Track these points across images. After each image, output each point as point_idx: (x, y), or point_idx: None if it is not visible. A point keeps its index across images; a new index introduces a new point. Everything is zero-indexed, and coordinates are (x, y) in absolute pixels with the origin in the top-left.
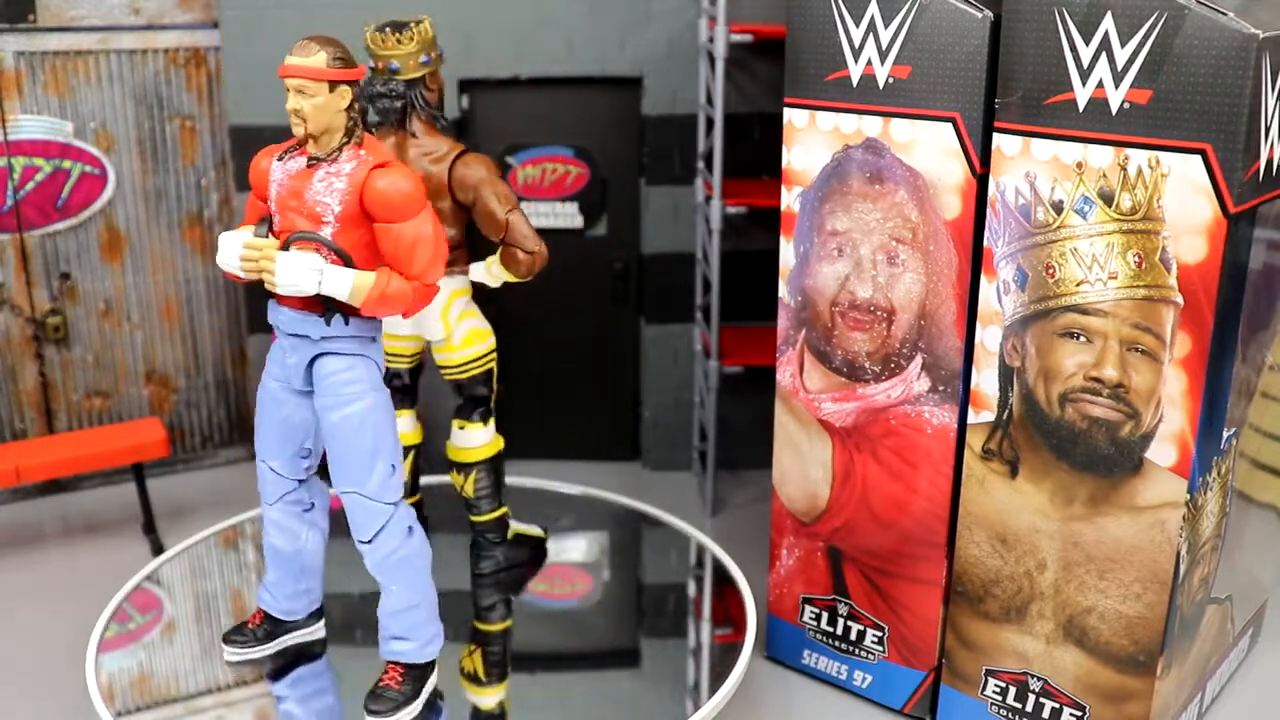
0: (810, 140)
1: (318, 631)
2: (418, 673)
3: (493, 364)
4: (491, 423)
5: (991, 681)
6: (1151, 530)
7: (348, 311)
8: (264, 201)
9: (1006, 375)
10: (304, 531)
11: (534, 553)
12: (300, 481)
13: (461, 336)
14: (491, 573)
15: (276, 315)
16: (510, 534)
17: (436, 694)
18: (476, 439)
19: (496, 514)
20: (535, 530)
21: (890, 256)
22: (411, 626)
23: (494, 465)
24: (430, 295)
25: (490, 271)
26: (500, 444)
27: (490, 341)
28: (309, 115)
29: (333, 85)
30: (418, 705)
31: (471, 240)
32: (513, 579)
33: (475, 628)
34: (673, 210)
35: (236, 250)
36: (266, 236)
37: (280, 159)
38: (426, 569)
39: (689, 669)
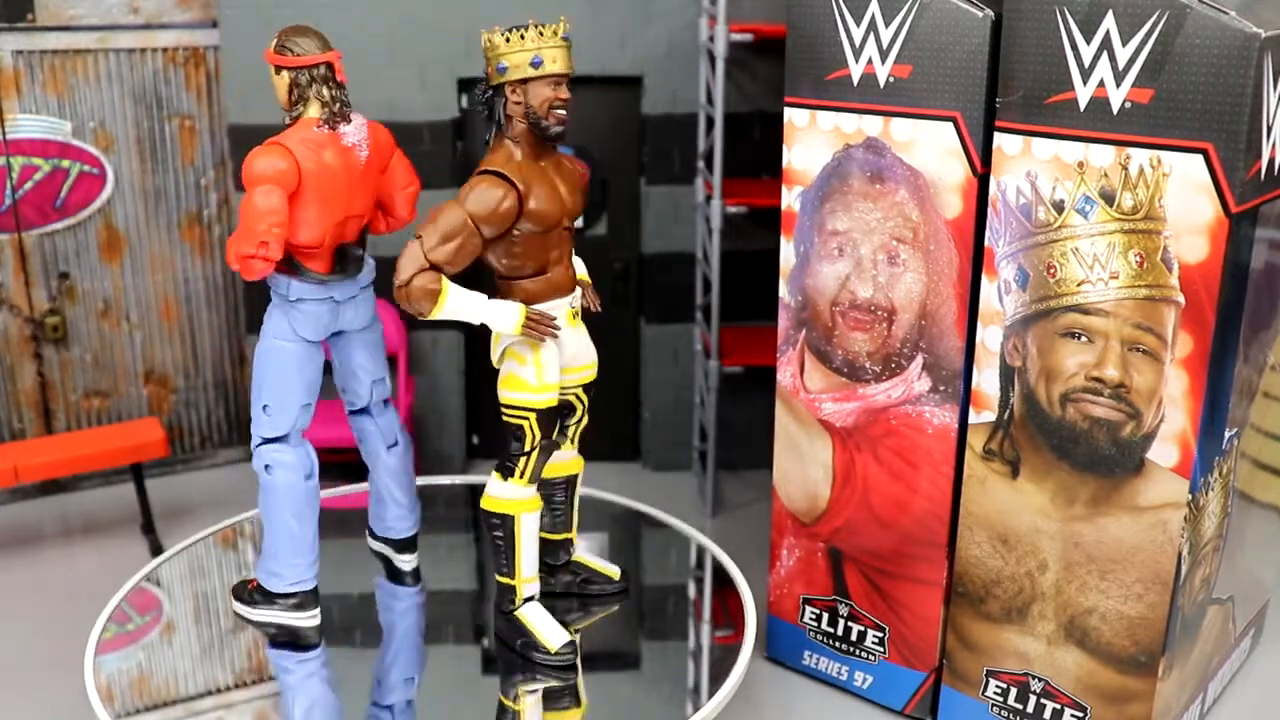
0: (811, 140)
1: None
2: (267, 594)
3: (524, 421)
4: (510, 480)
5: (992, 682)
6: (1153, 531)
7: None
8: None
9: (1007, 375)
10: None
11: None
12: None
13: (501, 377)
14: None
15: None
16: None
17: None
18: (490, 489)
19: (502, 580)
20: (609, 568)
21: (891, 256)
22: (264, 553)
23: (504, 526)
24: (241, 268)
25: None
26: (516, 507)
27: (524, 396)
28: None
29: (276, 69)
30: (257, 614)
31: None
32: None
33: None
34: (673, 210)
35: None
36: None
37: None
38: (285, 510)
39: (689, 670)
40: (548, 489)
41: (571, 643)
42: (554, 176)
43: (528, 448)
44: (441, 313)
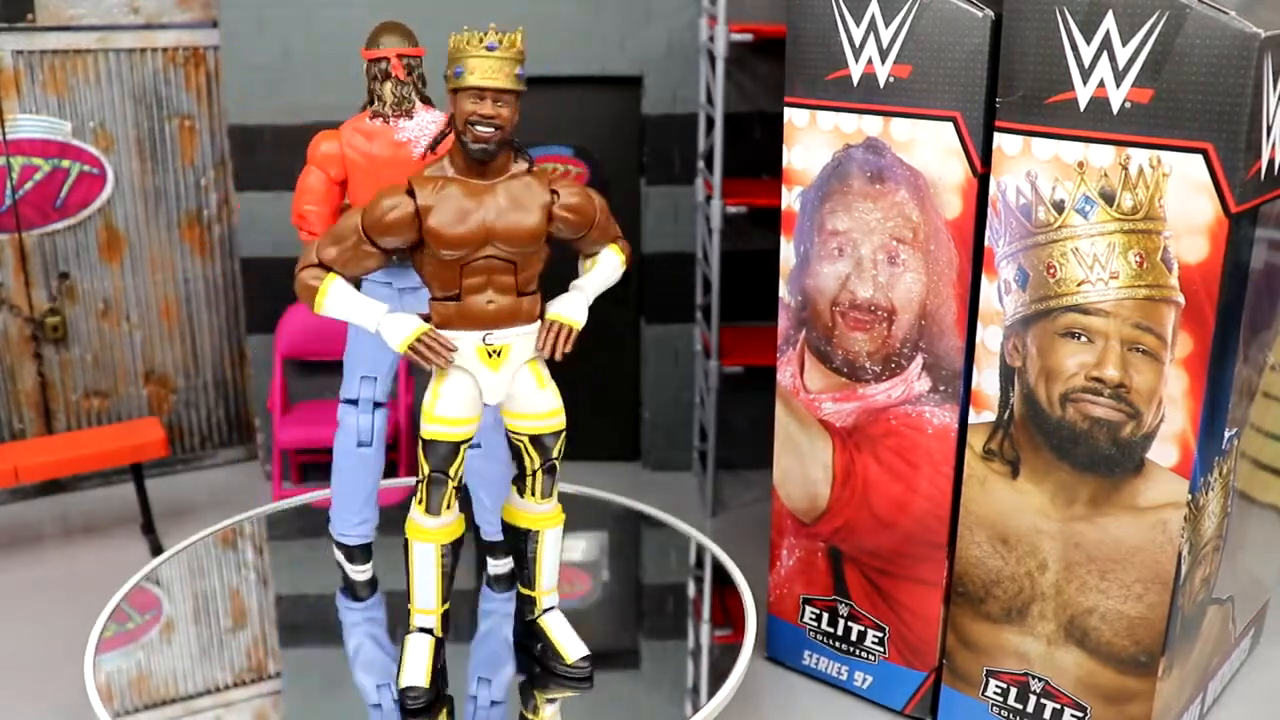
0: (810, 140)
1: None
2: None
3: (420, 446)
4: (415, 504)
5: (992, 682)
6: (1153, 531)
7: None
8: None
9: (1007, 375)
10: None
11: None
12: None
13: None
14: None
15: None
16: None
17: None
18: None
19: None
20: (566, 647)
21: (891, 256)
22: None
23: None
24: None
25: None
26: (413, 532)
27: (422, 422)
28: None
29: None
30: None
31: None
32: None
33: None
34: (673, 210)
35: None
36: None
37: None
38: (339, 467)
39: (689, 670)
40: (514, 539)
41: (588, 656)
42: (485, 199)
43: (419, 475)
44: (323, 310)
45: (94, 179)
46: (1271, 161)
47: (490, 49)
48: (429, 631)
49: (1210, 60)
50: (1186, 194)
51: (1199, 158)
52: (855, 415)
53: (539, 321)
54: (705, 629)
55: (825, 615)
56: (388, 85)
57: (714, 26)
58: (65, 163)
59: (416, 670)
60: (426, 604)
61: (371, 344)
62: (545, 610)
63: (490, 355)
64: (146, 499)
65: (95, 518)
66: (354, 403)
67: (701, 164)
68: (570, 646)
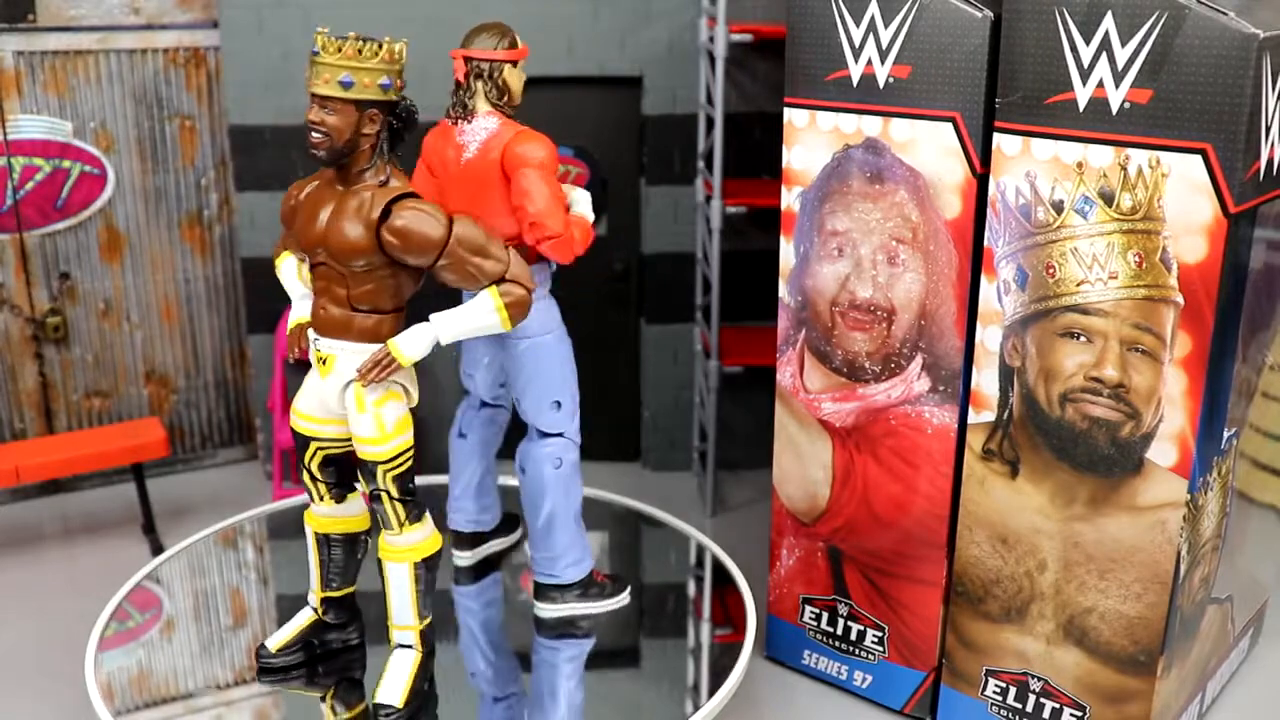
0: (810, 140)
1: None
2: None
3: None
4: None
5: (992, 682)
6: (1152, 530)
7: None
8: None
9: (1007, 375)
10: None
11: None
12: None
13: None
14: None
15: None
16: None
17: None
18: None
19: None
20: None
21: (890, 256)
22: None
23: None
24: None
25: None
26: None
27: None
28: None
29: None
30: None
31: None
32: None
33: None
34: (673, 210)
35: None
36: None
37: None
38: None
39: (689, 669)
40: (326, 542)
41: (390, 710)
42: (330, 206)
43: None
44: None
45: (95, 179)
46: (1270, 162)
47: (314, 54)
48: (313, 609)
49: (1209, 61)
50: (1185, 194)
51: (1198, 158)
52: (855, 415)
53: (383, 345)
54: (705, 628)
55: (825, 615)
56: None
57: (714, 27)
58: (66, 163)
59: (285, 634)
60: (313, 582)
61: (466, 341)
62: (396, 645)
63: (321, 361)
64: (147, 499)
65: (96, 518)
66: (466, 393)
67: (701, 164)
68: (385, 688)
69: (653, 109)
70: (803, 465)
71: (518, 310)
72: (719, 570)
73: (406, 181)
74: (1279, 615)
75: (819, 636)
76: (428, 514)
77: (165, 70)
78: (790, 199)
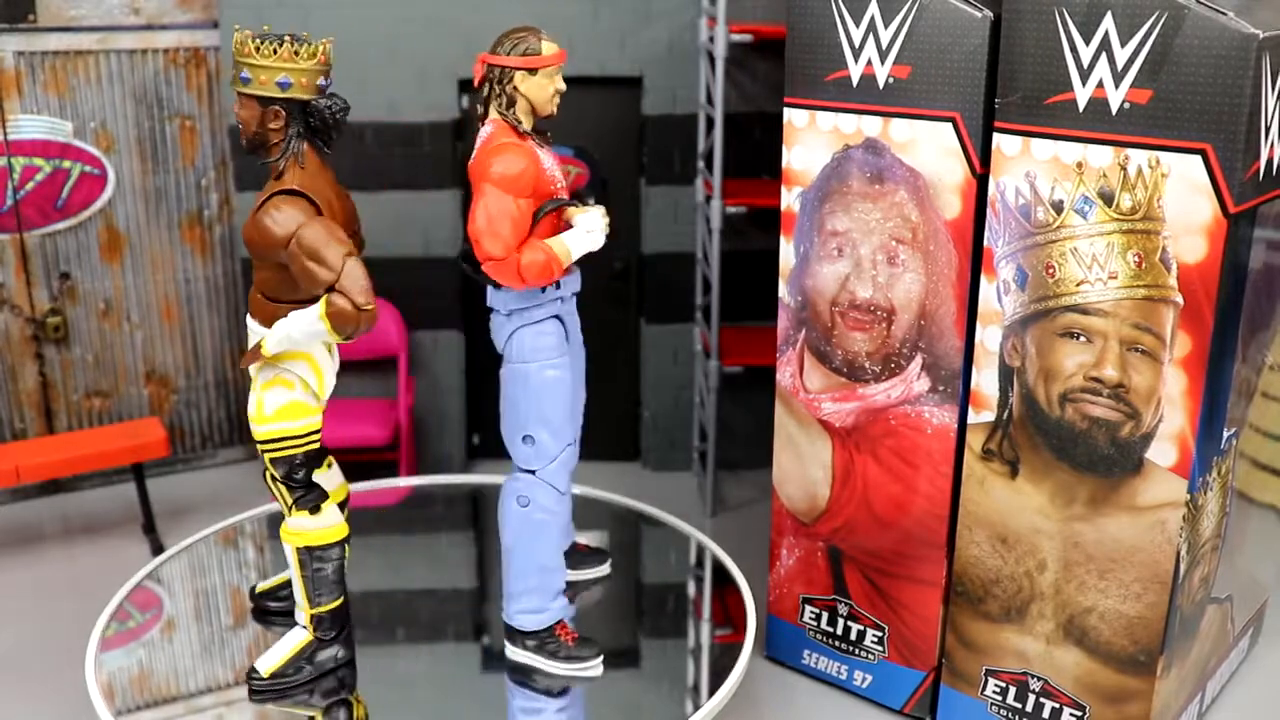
0: (810, 140)
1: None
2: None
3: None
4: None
5: (991, 681)
6: (1152, 530)
7: None
8: (540, 193)
9: (1006, 375)
10: None
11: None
12: None
13: None
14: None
15: (573, 284)
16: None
17: None
18: None
19: None
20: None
21: (890, 256)
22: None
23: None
24: None
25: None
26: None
27: None
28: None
29: None
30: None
31: None
32: None
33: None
34: (673, 210)
35: (601, 224)
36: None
37: (536, 146)
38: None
39: (689, 669)
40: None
41: (253, 673)
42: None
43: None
44: None
45: (95, 179)
46: (1270, 162)
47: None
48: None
49: (1209, 61)
50: (1185, 194)
51: (1198, 158)
52: (855, 415)
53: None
54: (705, 628)
55: (825, 615)
56: None
57: (714, 27)
58: (66, 163)
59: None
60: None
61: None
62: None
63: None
64: (147, 499)
65: (96, 518)
66: None
67: (701, 164)
68: (262, 657)
69: (653, 109)
70: (803, 465)
71: (339, 321)
72: (719, 570)
73: (304, 180)
74: (1279, 615)
75: (819, 636)
76: (331, 507)
77: (165, 70)
78: (790, 199)
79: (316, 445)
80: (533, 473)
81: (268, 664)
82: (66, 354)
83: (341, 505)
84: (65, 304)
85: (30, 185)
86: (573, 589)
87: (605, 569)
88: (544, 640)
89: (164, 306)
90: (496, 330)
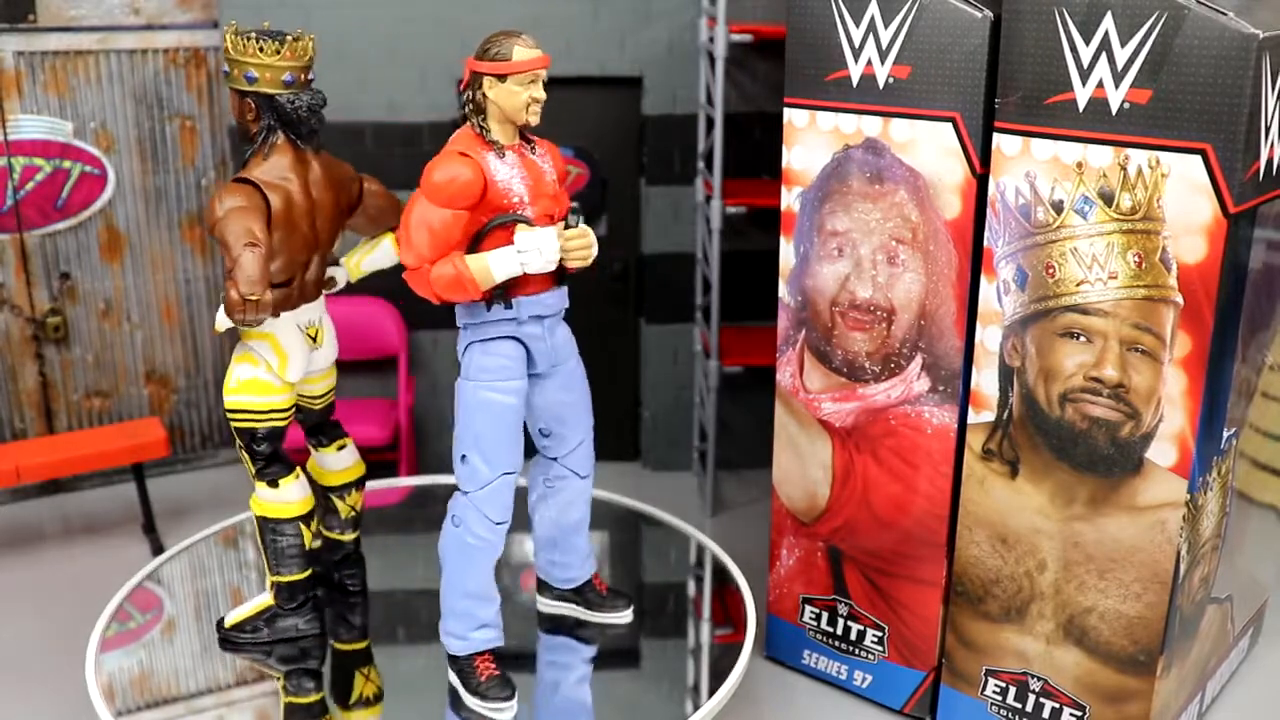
0: (810, 140)
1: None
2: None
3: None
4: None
5: (991, 681)
6: (1152, 530)
7: None
8: (476, 205)
9: (1006, 375)
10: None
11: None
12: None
13: None
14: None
15: (534, 306)
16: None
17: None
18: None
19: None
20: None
21: (890, 256)
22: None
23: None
24: None
25: None
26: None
27: None
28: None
29: None
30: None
31: None
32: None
33: None
34: (673, 210)
35: (557, 245)
36: (534, 229)
37: (497, 156)
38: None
39: (689, 669)
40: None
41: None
42: None
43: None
44: None
45: (95, 179)
46: (1270, 162)
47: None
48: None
49: (1209, 61)
50: (1185, 194)
51: (1197, 158)
52: (855, 415)
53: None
54: (705, 628)
55: (825, 615)
56: None
57: (714, 27)
58: (66, 163)
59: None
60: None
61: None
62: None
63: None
64: (147, 499)
65: (96, 518)
66: None
67: (701, 164)
68: (234, 610)
69: (653, 109)
70: (802, 465)
71: (227, 307)
72: (719, 570)
73: (262, 170)
74: (1279, 615)
75: (819, 636)
76: (291, 483)
77: (165, 70)
78: (790, 199)
79: (280, 424)
80: (466, 494)
81: (231, 616)
82: (66, 354)
83: (354, 485)
84: (65, 304)
85: (30, 185)
86: (586, 628)
87: (628, 615)
88: (462, 667)
89: (164, 306)
90: (459, 341)
